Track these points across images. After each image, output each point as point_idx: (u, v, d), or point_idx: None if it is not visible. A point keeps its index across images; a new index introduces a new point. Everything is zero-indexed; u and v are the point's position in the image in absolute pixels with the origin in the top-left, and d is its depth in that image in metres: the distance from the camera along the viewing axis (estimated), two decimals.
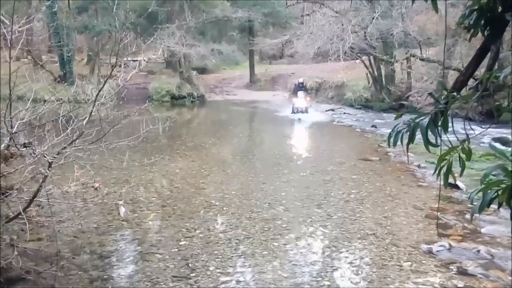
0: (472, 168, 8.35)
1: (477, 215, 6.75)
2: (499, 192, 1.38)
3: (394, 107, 19.72)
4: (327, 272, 5.34)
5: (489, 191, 1.41)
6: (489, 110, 14.28)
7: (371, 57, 21.37)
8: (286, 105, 22.76)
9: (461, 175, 1.87)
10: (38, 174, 5.07)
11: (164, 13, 24.04)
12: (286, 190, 8.70)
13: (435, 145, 1.89)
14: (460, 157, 1.91)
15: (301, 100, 19.49)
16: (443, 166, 1.92)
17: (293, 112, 19.65)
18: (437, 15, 17.08)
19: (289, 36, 26.25)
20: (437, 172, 1.95)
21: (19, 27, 5.67)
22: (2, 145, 5.01)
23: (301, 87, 20.09)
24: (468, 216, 7.08)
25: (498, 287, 5.01)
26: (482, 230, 6.60)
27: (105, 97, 6.00)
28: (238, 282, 5.08)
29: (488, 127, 11.63)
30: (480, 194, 1.50)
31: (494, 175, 1.50)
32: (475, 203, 1.58)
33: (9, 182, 5.01)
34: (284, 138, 15.12)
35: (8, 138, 4.98)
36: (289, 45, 30.66)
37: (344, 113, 21.11)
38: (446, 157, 1.89)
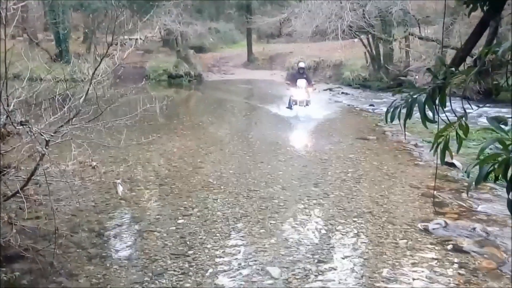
0: (468, 147, 8.36)
1: (473, 194, 6.82)
2: (496, 166, 1.39)
3: (392, 86, 19.60)
4: (324, 249, 5.39)
5: (485, 164, 1.42)
6: (486, 90, 14.25)
7: (369, 35, 21.18)
8: (283, 84, 22.68)
9: (458, 151, 1.87)
10: (35, 153, 5.06)
11: None
12: (284, 169, 8.72)
13: (433, 121, 1.89)
14: (457, 134, 1.90)
15: (301, 92, 14.57)
16: (440, 142, 1.91)
17: (290, 107, 14.79)
18: None
19: (287, 14, 25.93)
20: (434, 148, 1.94)
21: (14, 4, 5.60)
22: None
23: (301, 73, 15.21)
24: (464, 195, 7.12)
25: (492, 264, 5.07)
26: (478, 208, 6.65)
27: (101, 75, 5.94)
28: (235, 259, 5.13)
29: (484, 106, 11.66)
30: (477, 168, 1.51)
31: (490, 149, 1.50)
32: (471, 176, 1.58)
33: (6, 161, 5.00)
34: (282, 118, 15.08)
35: (5, 116, 4.95)
36: (287, 24, 30.32)
37: (342, 92, 21.03)
38: (444, 134, 1.88)
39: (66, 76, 7.10)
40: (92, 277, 4.66)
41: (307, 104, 14.57)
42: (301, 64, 15.90)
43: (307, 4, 21.82)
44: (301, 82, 14.69)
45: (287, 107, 14.87)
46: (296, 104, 14.54)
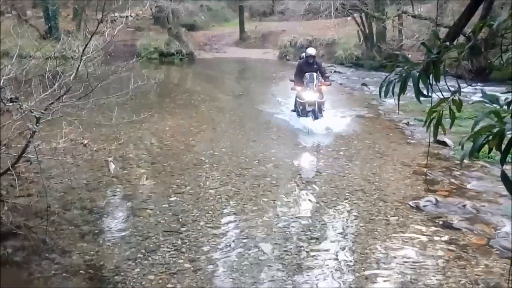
0: (461, 126, 8.40)
1: (465, 171, 6.87)
2: (490, 138, 1.40)
3: (385, 66, 19.53)
4: (316, 226, 5.44)
5: (480, 136, 1.43)
6: (479, 69, 14.29)
7: (362, 14, 21.01)
8: (275, 63, 22.56)
9: (451, 126, 1.88)
10: (26, 130, 5.03)
11: None
12: (276, 147, 8.73)
13: (426, 96, 1.89)
14: (450, 109, 1.90)
15: (312, 92, 10.09)
16: (433, 118, 1.91)
17: (297, 112, 10.61)
18: None
19: None
20: (427, 124, 1.94)
21: None
22: None
23: (311, 63, 10.52)
24: (455, 172, 7.19)
25: (482, 240, 5.14)
26: (468, 186, 6.72)
27: (92, 53, 5.88)
28: (228, 236, 5.16)
29: (476, 84, 11.69)
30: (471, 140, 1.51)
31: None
32: (465, 149, 1.59)
33: None
34: (274, 97, 15.04)
35: None
36: (280, 2, 30.12)
37: (335, 71, 20.87)
38: (437, 109, 1.88)
39: (56, 53, 7.01)
40: (85, 254, 4.68)
41: (320, 110, 10.12)
42: (311, 51, 10.76)
43: None
44: (311, 76, 10.23)
45: (293, 110, 10.83)
46: (304, 109, 10.21)
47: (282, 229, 5.36)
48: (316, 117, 10.00)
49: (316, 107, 10.00)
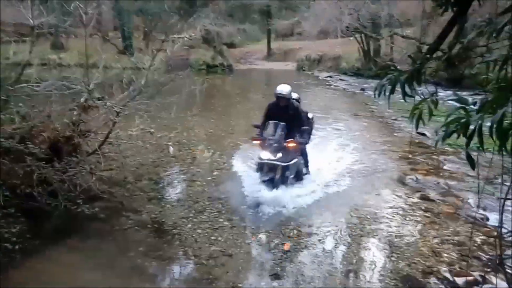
0: (437, 122, 8.17)
1: (441, 156, 6.68)
2: (458, 127, 1.38)
3: (379, 74, 19.10)
4: (320, 203, 5.25)
5: (450, 125, 1.41)
6: (452, 78, 13.88)
7: (362, 35, 20.57)
8: (294, 73, 22.32)
9: (429, 119, 1.85)
10: (109, 121, 5.15)
11: None
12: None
13: (411, 96, 1.86)
14: (429, 107, 1.88)
15: (271, 151, 5.08)
16: (416, 114, 1.89)
17: (261, 174, 5.20)
18: (416, 0, 16.26)
19: (298, 18, 25.37)
20: (410, 118, 1.92)
21: (91, 11, 5.61)
22: (82, 99, 5.08)
23: (282, 107, 5.37)
24: (433, 156, 7.03)
25: (452, 209, 5.03)
26: (444, 167, 6.56)
27: (157, 65, 5.98)
28: (261, 204, 5.00)
29: (451, 90, 11.33)
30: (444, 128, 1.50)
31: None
32: (439, 135, 1.57)
33: (88, 127, 5.10)
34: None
35: (86, 93, 5.04)
36: (298, 25, 29.70)
37: (340, 79, 20.55)
38: (419, 106, 1.86)
39: (130, 65, 7.13)
40: (151, 213, 4.79)
41: (283, 179, 5.19)
42: (281, 88, 5.44)
43: (314, 10, 21.18)
44: (274, 127, 5.35)
45: (259, 173, 5.32)
46: (262, 170, 5.22)
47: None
48: (274, 186, 5.11)
49: (278, 174, 5.13)
